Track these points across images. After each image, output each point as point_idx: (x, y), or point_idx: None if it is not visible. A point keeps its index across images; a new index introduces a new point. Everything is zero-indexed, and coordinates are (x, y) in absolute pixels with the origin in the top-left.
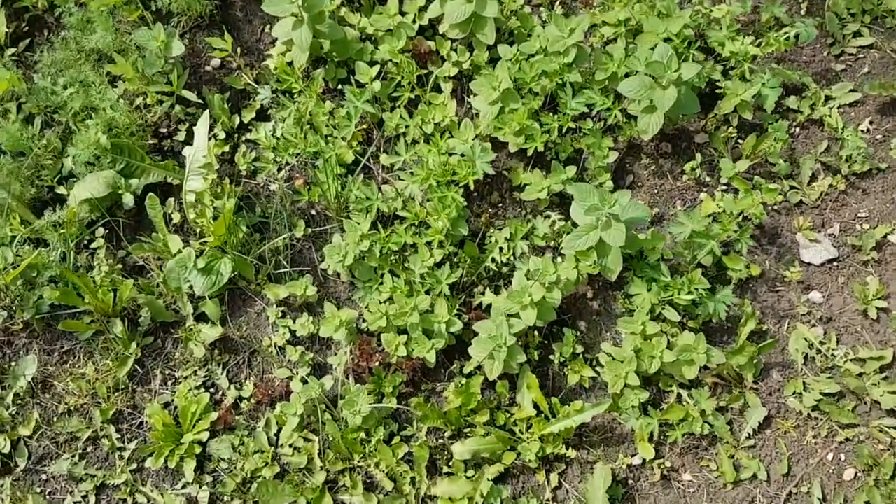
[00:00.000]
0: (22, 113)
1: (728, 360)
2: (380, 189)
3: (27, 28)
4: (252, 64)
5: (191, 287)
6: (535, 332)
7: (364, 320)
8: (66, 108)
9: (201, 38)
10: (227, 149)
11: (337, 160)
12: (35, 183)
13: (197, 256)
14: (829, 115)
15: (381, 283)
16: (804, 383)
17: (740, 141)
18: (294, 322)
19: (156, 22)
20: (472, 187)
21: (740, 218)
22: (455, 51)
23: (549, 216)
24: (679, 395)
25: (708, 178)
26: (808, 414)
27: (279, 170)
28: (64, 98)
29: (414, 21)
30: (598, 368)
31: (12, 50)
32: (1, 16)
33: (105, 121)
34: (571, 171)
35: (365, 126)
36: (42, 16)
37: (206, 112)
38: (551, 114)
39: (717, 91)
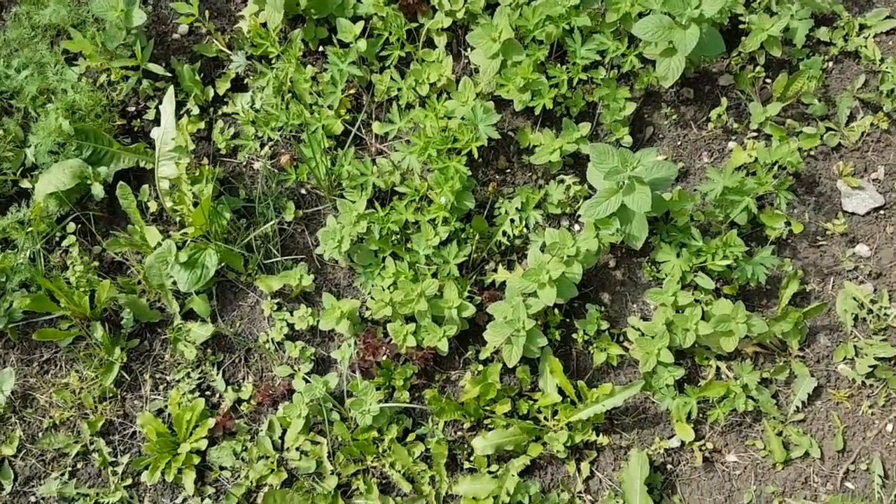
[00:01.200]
0: None
1: (770, 328)
2: (374, 162)
3: None
4: (223, 28)
5: (175, 283)
6: (555, 310)
7: (368, 308)
8: (24, 93)
9: (165, 3)
10: (202, 125)
11: (324, 132)
12: None
13: (178, 249)
14: (865, 46)
15: (384, 268)
16: (856, 348)
17: (768, 81)
18: (291, 314)
19: None
20: (475, 155)
21: (775, 168)
22: None
23: (562, 180)
24: (718, 369)
25: (736, 125)
26: (863, 382)
27: (262, 146)
28: (20, 82)
29: None
30: (625, 344)
31: None
32: None
33: (66, 104)
34: (585, 128)
35: (353, 91)
36: None
37: (171, 89)
38: (559, 65)
39: (741, 27)
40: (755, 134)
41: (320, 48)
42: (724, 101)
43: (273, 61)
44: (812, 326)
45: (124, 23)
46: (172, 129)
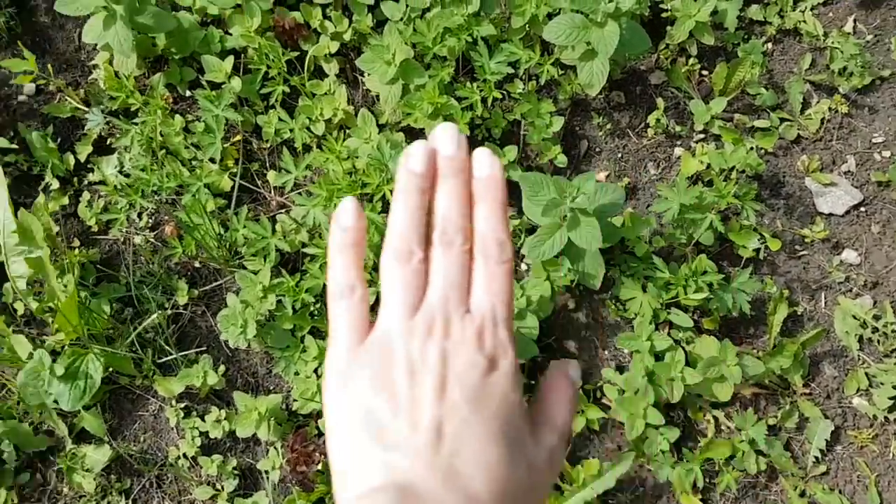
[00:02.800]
0: None
1: (767, 366)
2: (274, 220)
3: None
4: (76, 82)
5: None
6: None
7: (295, 399)
8: None
9: (3, 61)
10: (66, 201)
11: (210, 191)
12: None
13: (54, 359)
14: (805, 21)
15: (304, 350)
16: (868, 376)
17: (705, 73)
18: (203, 420)
19: None
20: (388, 199)
21: (734, 173)
22: (329, 19)
23: None
24: (716, 421)
25: (679, 128)
26: (885, 417)
27: (139, 216)
28: None
29: None
30: (605, 401)
31: None
32: None
33: None
34: (511, 151)
35: (238, 137)
36: None
37: None
38: (469, 83)
39: (664, 16)
40: (702, 135)
41: (190, 92)
42: (660, 101)
43: (138, 114)
44: (813, 355)
45: None
46: (11, 220)
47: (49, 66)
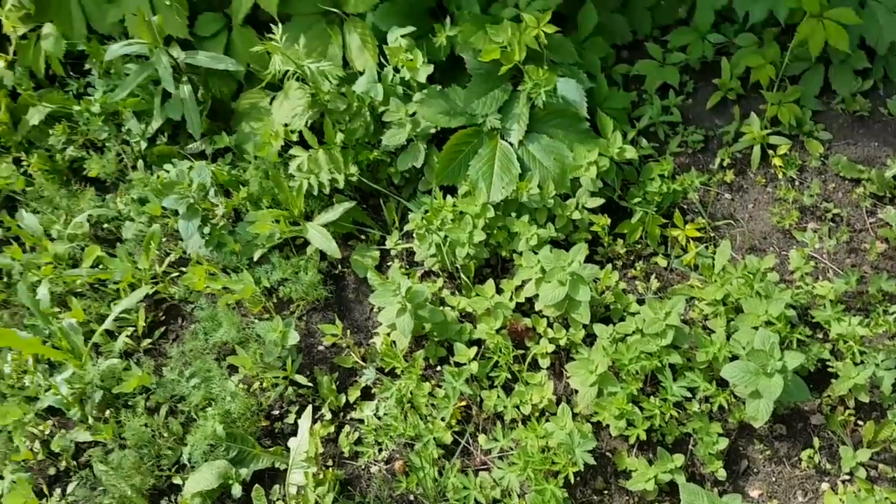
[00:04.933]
0: (150, 402)
1: None
2: (477, 474)
3: (164, 317)
4: (360, 342)
5: None
6: None
7: None
8: (189, 399)
9: (316, 320)
10: (332, 429)
11: (435, 442)
12: (154, 473)
13: None
14: None
15: None
16: None
17: (860, 423)
18: None
19: (277, 308)
20: (571, 481)
21: None
22: (551, 327)
23: None
24: None
25: (829, 466)
26: None
27: (380, 450)
28: (188, 389)
29: (511, 299)
30: None
31: (148, 340)
32: (141, 310)
33: (222, 411)
34: (679, 459)
35: (463, 403)
36: (178, 305)
37: (310, 408)
38: (652, 398)
39: (830, 370)
40: (847, 477)
41: (439, 366)
42: (816, 441)
43: (399, 374)
44: None
45: (281, 342)
46: (306, 442)
47: (348, 331)
